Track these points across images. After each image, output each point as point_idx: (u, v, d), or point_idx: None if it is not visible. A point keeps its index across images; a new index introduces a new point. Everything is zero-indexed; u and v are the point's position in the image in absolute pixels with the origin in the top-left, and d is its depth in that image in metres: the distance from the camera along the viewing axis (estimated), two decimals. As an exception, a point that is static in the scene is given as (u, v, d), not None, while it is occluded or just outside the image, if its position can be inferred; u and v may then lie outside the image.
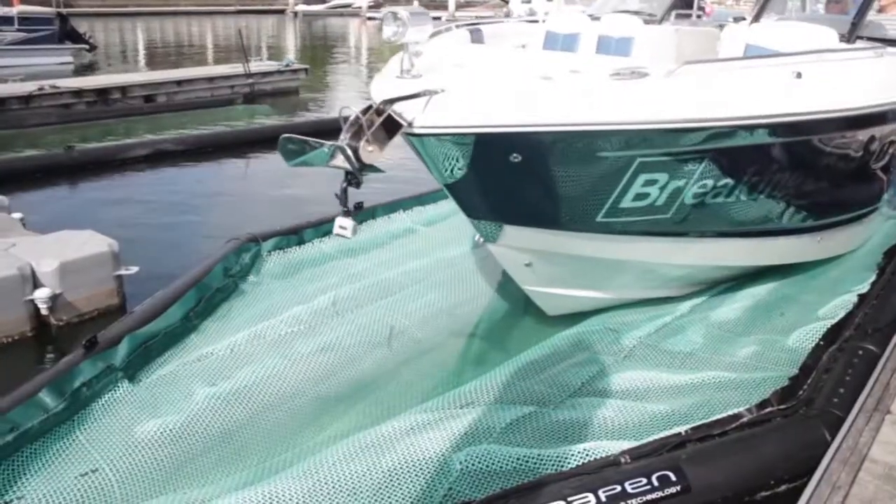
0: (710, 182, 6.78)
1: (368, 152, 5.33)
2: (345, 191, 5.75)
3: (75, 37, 32.83)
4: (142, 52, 40.58)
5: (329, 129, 6.17)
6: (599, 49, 9.32)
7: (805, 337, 7.07)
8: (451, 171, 5.95)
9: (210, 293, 7.56)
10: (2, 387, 5.79)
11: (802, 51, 7.40)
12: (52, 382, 5.75)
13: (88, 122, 19.11)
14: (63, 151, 14.91)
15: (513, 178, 6.11)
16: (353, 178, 5.56)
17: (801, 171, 7.54)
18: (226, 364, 6.55)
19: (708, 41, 9.50)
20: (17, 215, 9.89)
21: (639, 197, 6.61)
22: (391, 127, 5.45)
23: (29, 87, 20.10)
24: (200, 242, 10.47)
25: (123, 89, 21.62)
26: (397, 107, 5.50)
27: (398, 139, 5.60)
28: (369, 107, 5.50)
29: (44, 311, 7.98)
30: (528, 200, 6.43)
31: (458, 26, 9.06)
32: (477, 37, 9.16)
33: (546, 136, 5.91)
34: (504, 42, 9.55)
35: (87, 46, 33.55)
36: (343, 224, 5.96)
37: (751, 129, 6.60)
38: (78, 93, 20.59)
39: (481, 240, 6.88)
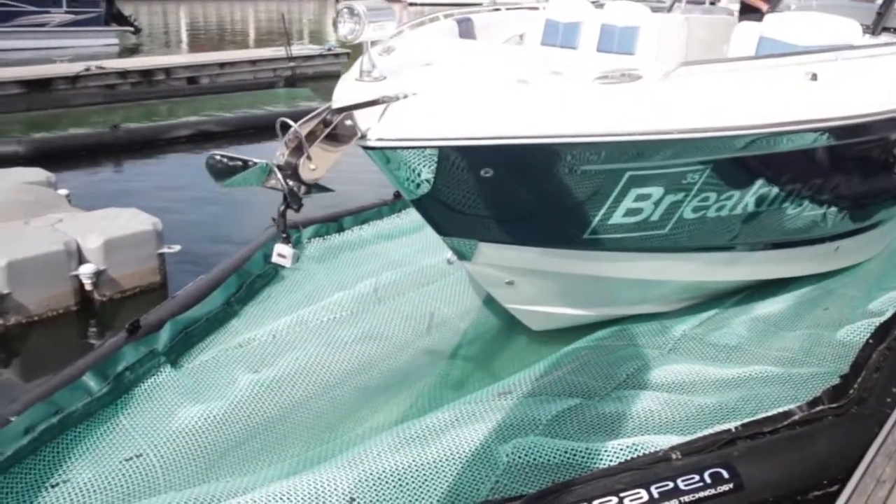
0: (712, 195, 6.19)
1: (310, 170, 4.80)
2: (283, 215, 5.18)
3: (120, 19, 33.25)
4: (185, 34, 40.86)
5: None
6: (602, 42, 8.72)
7: (851, 333, 6.92)
8: (415, 186, 5.31)
9: (251, 279, 7.53)
10: (50, 358, 5.85)
11: (819, 47, 6.89)
12: (96, 366, 5.75)
13: (133, 102, 19.30)
14: (108, 131, 15.28)
15: (485, 195, 5.51)
16: (293, 200, 4.98)
17: (816, 180, 6.90)
18: (268, 350, 6.52)
19: (721, 31, 8.86)
20: (63, 192, 10.07)
21: (631, 212, 6.01)
22: (340, 138, 4.91)
23: (76, 67, 20.37)
24: (241, 223, 10.53)
25: (167, 71, 21.85)
26: (352, 115, 4.91)
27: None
28: (313, 117, 4.98)
29: (88, 287, 8.16)
30: (504, 217, 5.83)
31: (445, 16, 8.36)
32: (466, 28, 8.40)
33: (519, 150, 5.24)
34: (498, 33, 8.92)
35: (131, 29, 33.96)
36: (282, 252, 5.34)
37: (758, 138, 5.94)
38: (123, 74, 20.86)
39: (454, 258, 6.21)
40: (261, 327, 6.85)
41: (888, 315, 7.09)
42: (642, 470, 4.80)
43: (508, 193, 5.55)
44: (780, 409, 5.56)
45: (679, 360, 6.58)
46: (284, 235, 5.36)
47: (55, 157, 12.93)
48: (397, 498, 4.79)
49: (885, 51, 7.15)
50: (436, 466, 4.99)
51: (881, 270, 8.60)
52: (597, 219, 5.97)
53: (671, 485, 4.63)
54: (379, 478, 4.85)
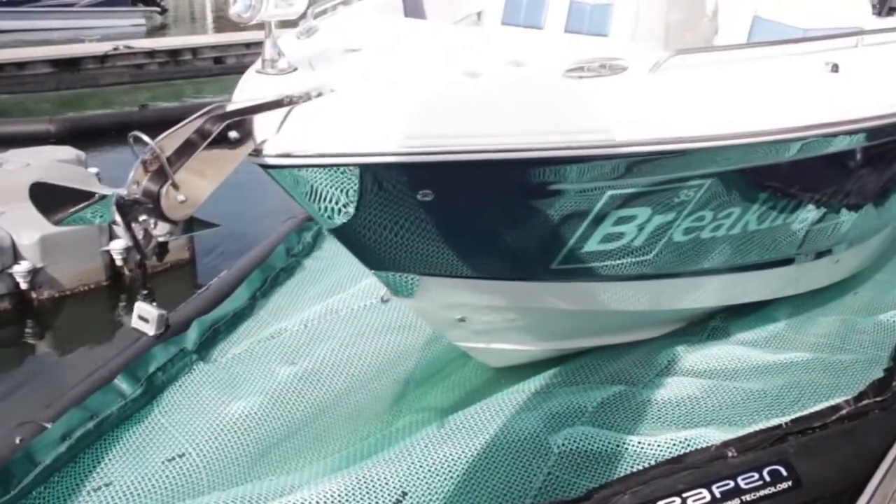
0: (708, 214, 5.23)
1: (178, 203, 3.51)
2: (140, 265, 3.93)
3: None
4: (210, 15, 40.57)
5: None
6: (571, 21, 7.23)
7: (886, 318, 6.82)
8: (332, 213, 4.24)
9: (275, 273, 7.46)
10: (82, 333, 5.88)
11: (828, 31, 5.93)
12: (127, 368, 5.67)
13: (160, 81, 19.67)
14: (137, 110, 15.59)
15: (427, 222, 4.44)
16: (152, 248, 3.73)
17: (828, 189, 6.00)
18: (301, 341, 6.43)
19: (706, 9, 7.82)
20: (93, 170, 10.07)
21: (609, 238, 5.00)
22: (223, 155, 3.70)
23: (104, 47, 20.59)
24: (268, 201, 10.47)
25: (194, 51, 22.09)
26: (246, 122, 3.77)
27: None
28: (184, 127, 3.63)
29: (118, 262, 8.48)
30: (451, 248, 4.75)
31: None
32: (412, 5, 6.89)
33: (468, 167, 4.15)
34: (452, 10, 7.56)
35: (158, 9, 34.03)
36: (142, 314, 3.87)
37: (773, 145, 5.00)
38: (150, 53, 21.12)
39: (389, 295, 5.23)
40: (290, 318, 6.75)
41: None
42: (700, 468, 4.72)
43: (456, 220, 4.55)
44: (828, 404, 5.46)
45: (718, 345, 6.47)
46: (145, 292, 4.00)
47: (85, 136, 13.10)
48: (450, 490, 4.74)
49: None
50: (486, 457, 4.93)
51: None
52: (567, 247, 4.99)
53: (732, 484, 4.55)
54: (429, 470, 4.80)
